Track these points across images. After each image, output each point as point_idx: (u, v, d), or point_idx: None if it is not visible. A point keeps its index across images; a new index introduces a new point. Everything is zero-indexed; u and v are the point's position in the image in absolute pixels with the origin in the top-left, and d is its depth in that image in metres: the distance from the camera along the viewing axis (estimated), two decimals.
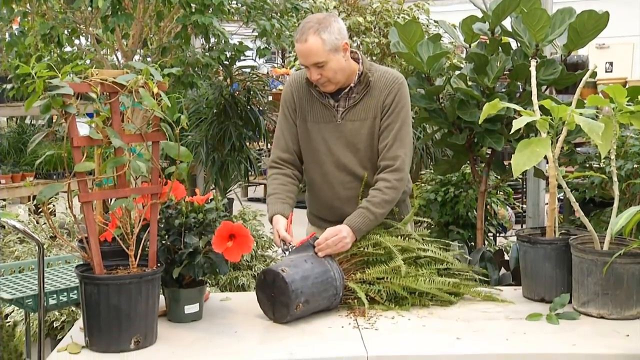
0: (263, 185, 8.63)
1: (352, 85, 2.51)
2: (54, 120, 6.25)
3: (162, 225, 2.16)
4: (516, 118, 2.14)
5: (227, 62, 4.34)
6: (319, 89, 2.53)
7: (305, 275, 2.21)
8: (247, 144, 4.93)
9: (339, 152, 2.52)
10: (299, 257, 2.29)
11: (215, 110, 4.82)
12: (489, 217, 4.29)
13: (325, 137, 2.53)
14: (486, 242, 4.11)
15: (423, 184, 4.57)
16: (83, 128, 1.95)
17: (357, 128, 2.51)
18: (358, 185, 2.54)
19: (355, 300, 2.31)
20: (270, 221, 2.47)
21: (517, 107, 2.27)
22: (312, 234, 2.46)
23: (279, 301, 2.18)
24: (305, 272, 2.22)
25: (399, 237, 2.47)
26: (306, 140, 2.57)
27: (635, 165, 3.22)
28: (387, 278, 2.33)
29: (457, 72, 3.27)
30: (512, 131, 2.14)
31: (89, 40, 4.07)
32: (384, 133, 2.49)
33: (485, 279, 2.63)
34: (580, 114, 2.14)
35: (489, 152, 3.47)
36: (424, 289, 2.33)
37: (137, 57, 3.89)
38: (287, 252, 2.34)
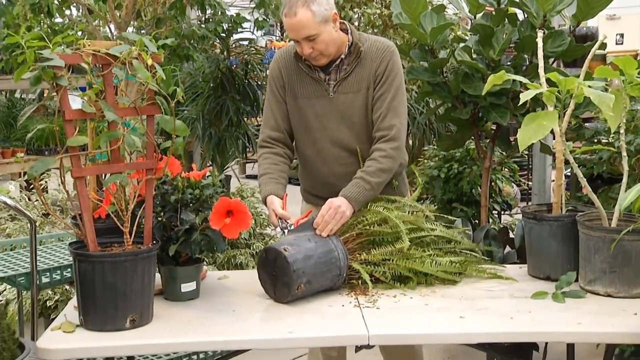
0: None
1: (342, 56, 2.49)
2: (44, 94, 6.23)
3: (158, 202, 2.16)
4: (522, 91, 2.13)
5: (224, 35, 4.31)
6: (308, 63, 2.50)
7: (308, 255, 2.21)
8: (245, 119, 4.92)
9: (333, 127, 2.52)
10: (302, 236, 2.29)
11: (212, 84, 4.80)
12: (493, 194, 4.29)
13: (318, 113, 2.51)
14: (490, 220, 4.12)
15: (426, 161, 4.57)
16: (75, 101, 1.94)
17: (350, 101, 2.50)
18: (354, 161, 2.53)
19: (359, 281, 2.31)
20: (264, 202, 2.47)
21: (524, 80, 2.26)
22: (309, 212, 2.46)
23: (281, 281, 2.18)
24: (308, 252, 2.21)
25: (408, 212, 2.45)
26: (298, 117, 2.55)
27: None
28: (392, 260, 2.32)
29: (461, 45, 3.24)
30: (518, 104, 2.14)
31: (81, 10, 4.04)
32: (377, 103, 2.49)
33: (489, 257, 2.64)
34: (589, 87, 2.13)
35: (494, 127, 3.46)
36: (430, 271, 2.34)
37: (130, 28, 3.87)
38: (286, 231, 2.35)
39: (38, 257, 2.64)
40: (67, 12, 3.86)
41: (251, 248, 4.14)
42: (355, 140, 2.53)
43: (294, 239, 2.27)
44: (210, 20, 4.11)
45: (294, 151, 2.64)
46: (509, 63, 3.21)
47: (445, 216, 2.58)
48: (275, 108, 2.57)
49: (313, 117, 2.53)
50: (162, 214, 2.16)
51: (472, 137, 3.54)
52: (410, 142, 6.13)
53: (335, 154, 2.54)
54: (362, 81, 2.49)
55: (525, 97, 2.10)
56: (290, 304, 2.18)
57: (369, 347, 2.07)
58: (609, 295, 2.18)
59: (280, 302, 2.19)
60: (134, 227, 2.03)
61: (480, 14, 3.21)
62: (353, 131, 2.52)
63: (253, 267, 4.06)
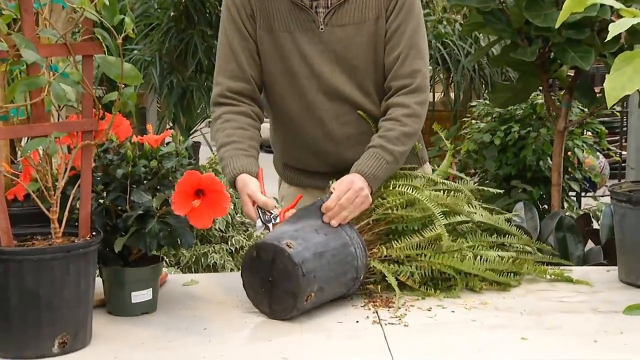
0: None
1: None
2: None
3: (99, 178, 2.17)
4: (614, 21, 2.12)
5: None
6: None
7: (319, 252, 2.22)
8: None
9: (327, 72, 2.52)
10: (304, 226, 2.29)
11: (172, 13, 4.80)
12: (570, 169, 4.31)
13: (305, 52, 2.52)
14: (565, 204, 4.13)
15: (474, 121, 4.57)
16: None
17: (349, 36, 2.50)
18: (358, 118, 2.56)
19: (379, 286, 2.33)
20: (232, 185, 2.44)
21: (616, 4, 2.24)
22: (299, 197, 2.47)
23: (282, 289, 2.19)
24: (318, 248, 2.23)
25: (442, 192, 2.47)
26: (275, 59, 2.55)
27: None
28: (422, 255, 2.34)
29: None
30: (607, 40, 2.13)
31: None
32: (392, 39, 2.50)
33: (562, 256, 2.65)
34: None
35: (572, 74, 3.46)
36: (474, 270, 2.36)
37: None
38: (270, 225, 2.35)
39: None
40: None
41: (229, 243, 4.15)
42: (358, 91, 2.55)
43: (295, 231, 2.27)
44: None
45: (264, 109, 2.65)
46: None
47: (493, 191, 2.58)
48: (239, 48, 2.55)
49: (297, 59, 2.53)
50: (104, 194, 2.16)
51: (540, 88, 3.53)
52: (452, 94, 6.15)
53: (333, 110, 2.56)
54: (367, 9, 2.49)
55: (617, 29, 2.08)
56: (285, 319, 2.20)
57: None
58: None
59: (277, 319, 2.20)
60: (65, 213, 2.02)
61: None
62: (354, 79, 2.54)
63: (232, 269, 4.07)
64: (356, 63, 2.52)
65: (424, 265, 2.34)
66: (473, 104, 4.86)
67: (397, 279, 2.32)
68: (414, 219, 2.38)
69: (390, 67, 2.51)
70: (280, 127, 2.69)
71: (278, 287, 2.20)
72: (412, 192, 2.40)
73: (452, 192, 2.50)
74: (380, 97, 2.56)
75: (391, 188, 2.44)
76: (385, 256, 2.34)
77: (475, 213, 2.48)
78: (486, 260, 2.38)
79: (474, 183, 3.76)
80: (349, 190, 2.34)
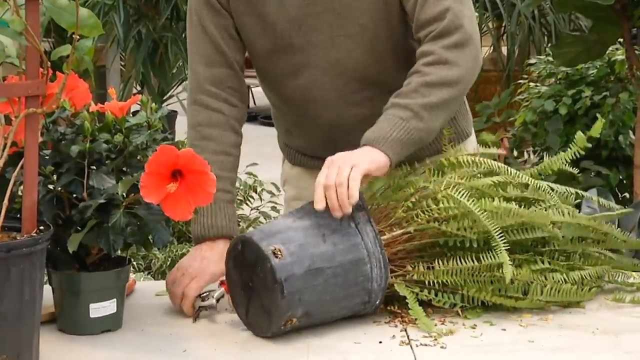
0: None
1: None
2: None
3: (48, 156, 2.17)
4: None
5: None
6: None
7: (316, 269, 2.20)
8: None
9: (325, 40, 2.55)
10: (310, 228, 2.25)
11: None
12: None
13: (294, 16, 2.54)
14: None
15: (533, 84, 4.58)
16: None
17: None
18: (375, 94, 2.57)
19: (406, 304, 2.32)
20: (197, 239, 2.46)
21: None
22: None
23: (259, 302, 2.21)
24: (316, 262, 2.21)
25: (520, 203, 2.38)
26: (257, 33, 2.59)
27: None
28: (472, 280, 2.32)
29: None
30: None
31: None
32: None
33: None
34: None
35: None
36: (550, 300, 2.34)
37: None
38: (214, 298, 2.36)
39: None
40: None
41: None
42: (373, 57, 2.56)
43: (294, 232, 2.25)
44: None
45: (248, 100, 2.68)
46: None
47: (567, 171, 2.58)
48: (211, 25, 2.58)
49: (286, 28, 2.55)
50: (55, 177, 2.17)
51: (621, 40, 3.53)
52: (504, 50, 6.15)
53: (340, 87, 2.59)
54: None
55: None
56: (288, 334, 2.21)
57: None
58: None
59: (255, 334, 2.22)
60: (5, 202, 2.02)
61: None
62: (363, 43, 2.54)
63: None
64: (363, 22, 2.52)
65: (475, 293, 2.33)
66: (531, 61, 4.86)
67: (431, 306, 2.32)
68: (470, 238, 2.33)
69: (412, 14, 2.49)
70: (278, 111, 2.73)
71: (256, 298, 2.23)
72: (473, 203, 2.29)
73: (535, 200, 2.43)
74: (402, 64, 2.55)
75: (444, 189, 2.33)
76: (423, 279, 2.31)
77: (560, 227, 2.41)
78: (558, 292, 2.34)
79: (532, 165, 3.77)
80: (330, 167, 2.28)
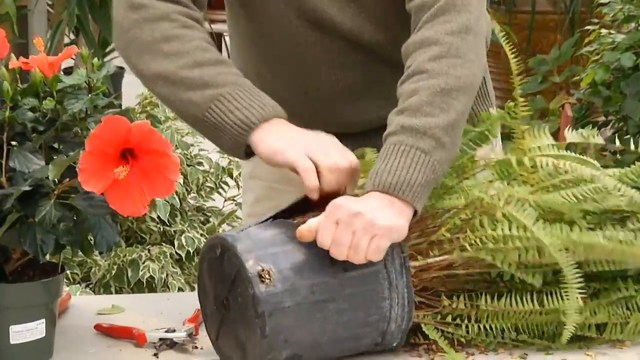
0: None
1: None
2: None
3: None
4: None
5: None
6: None
7: (315, 302, 2.21)
8: None
9: None
10: (314, 247, 2.23)
11: None
12: None
13: None
14: None
15: (605, 31, 4.59)
16: None
17: None
18: (369, 60, 2.69)
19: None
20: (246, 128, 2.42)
21: None
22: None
23: (234, 330, 2.26)
24: (317, 293, 2.21)
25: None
26: None
27: None
28: (527, 324, 2.36)
29: None
30: None
31: None
32: None
33: None
34: None
35: None
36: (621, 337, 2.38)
37: None
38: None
39: None
40: None
41: (175, 244, 4.21)
42: (365, 18, 2.67)
43: (293, 252, 2.24)
44: None
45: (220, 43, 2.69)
46: None
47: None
48: None
49: None
50: None
51: None
52: None
53: (327, 47, 2.70)
54: None
55: None
56: None
57: None
58: None
59: None
60: None
61: None
62: (356, 2, 2.64)
63: (180, 288, 4.14)
64: None
65: (525, 326, 2.37)
66: (603, 0, 4.88)
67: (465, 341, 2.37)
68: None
69: None
70: (247, 66, 2.76)
71: (229, 324, 2.26)
72: (544, 232, 2.27)
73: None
74: (400, 29, 2.58)
75: (504, 203, 2.31)
76: (454, 313, 2.34)
77: None
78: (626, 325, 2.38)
79: (606, 141, 3.78)
80: (340, 220, 2.23)
